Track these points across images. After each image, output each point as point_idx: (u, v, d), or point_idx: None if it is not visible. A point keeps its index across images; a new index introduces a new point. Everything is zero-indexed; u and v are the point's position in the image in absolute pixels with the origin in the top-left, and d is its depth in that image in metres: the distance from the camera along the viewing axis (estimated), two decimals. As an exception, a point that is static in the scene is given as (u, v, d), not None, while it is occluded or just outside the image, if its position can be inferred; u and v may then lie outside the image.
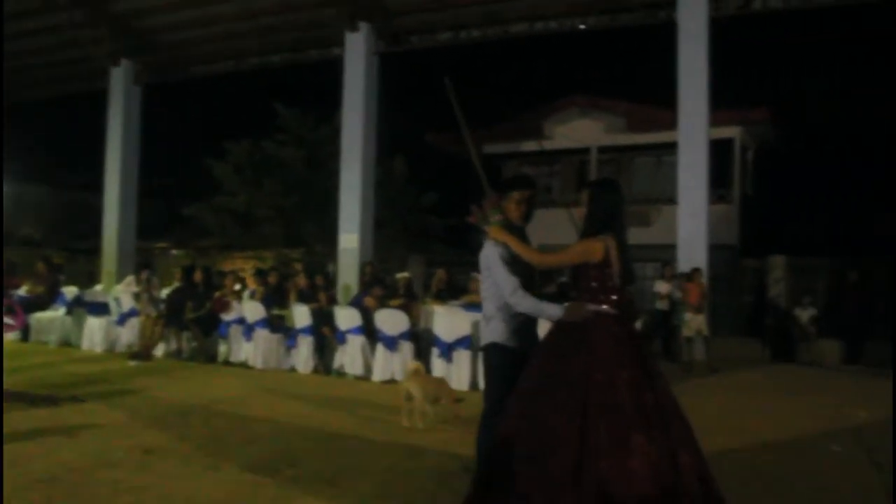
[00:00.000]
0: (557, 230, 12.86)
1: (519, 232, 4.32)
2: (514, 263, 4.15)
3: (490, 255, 4.22)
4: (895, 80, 18.90)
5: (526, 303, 4.07)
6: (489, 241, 4.26)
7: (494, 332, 4.27)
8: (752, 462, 5.82)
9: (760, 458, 6.01)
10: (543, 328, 4.17)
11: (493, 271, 4.20)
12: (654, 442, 3.51)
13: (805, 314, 13.36)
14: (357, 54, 15.08)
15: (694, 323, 11.69)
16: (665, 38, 13.08)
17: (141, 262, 15.11)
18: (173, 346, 12.08)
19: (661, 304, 13.08)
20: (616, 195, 4.06)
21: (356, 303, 11.06)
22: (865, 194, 20.93)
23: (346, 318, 10.53)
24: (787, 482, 5.34)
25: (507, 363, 4.17)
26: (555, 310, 3.96)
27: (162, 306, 11.93)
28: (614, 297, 3.86)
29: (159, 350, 12.03)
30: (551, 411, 3.64)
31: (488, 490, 3.72)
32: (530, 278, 4.24)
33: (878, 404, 8.48)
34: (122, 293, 13.08)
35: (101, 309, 13.02)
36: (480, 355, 4.68)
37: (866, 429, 7.28)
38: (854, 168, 21.53)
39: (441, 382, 7.55)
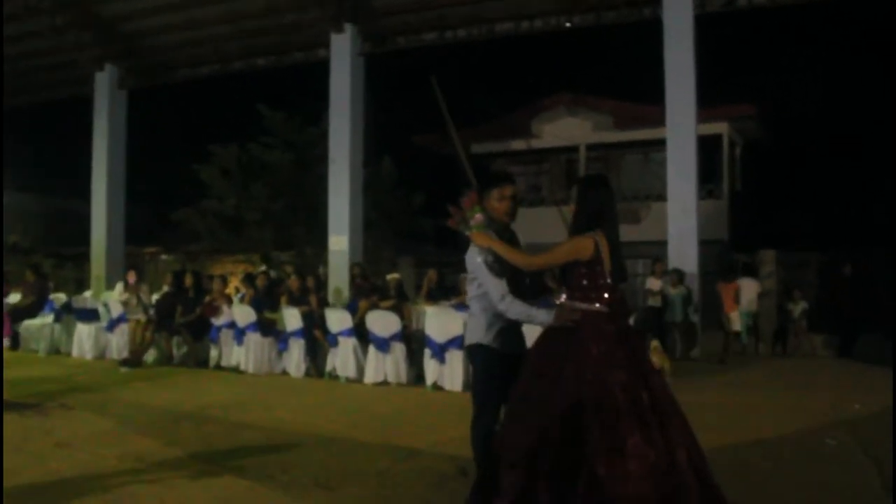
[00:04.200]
0: (547, 229, 12.79)
1: (505, 230, 4.22)
2: (502, 266, 4.02)
3: (474, 262, 4.10)
4: (879, 71, 18.98)
5: (515, 309, 3.96)
6: (473, 245, 4.12)
7: (477, 332, 4.19)
8: (746, 457, 5.80)
9: (756, 453, 5.99)
10: (529, 328, 4.12)
11: (479, 278, 4.09)
12: (651, 442, 3.46)
13: (797, 308, 13.37)
14: (342, 56, 15.02)
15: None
16: (650, 35, 13.09)
17: (128, 265, 15.03)
18: (164, 351, 12.00)
19: (653, 301, 13.05)
20: (605, 191, 3.93)
21: (352, 308, 10.97)
22: (851, 187, 21.02)
23: (338, 320, 10.48)
24: (782, 477, 5.33)
25: (490, 364, 4.12)
26: (545, 316, 3.84)
27: (152, 311, 11.85)
28: (606, 295, 3.76)
29: (150, 355, 11.94)
30: (544, 414, 3.58)
31: (485, 494, 3.68)
32: (520, 278, 4.16)
33: (872, 397, 8.48)
34: (112, 299, 12.98)
35: (90, 315, 12.87)
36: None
37: (861, 422, 7.27)
38: (839, 161, 21.63)
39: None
